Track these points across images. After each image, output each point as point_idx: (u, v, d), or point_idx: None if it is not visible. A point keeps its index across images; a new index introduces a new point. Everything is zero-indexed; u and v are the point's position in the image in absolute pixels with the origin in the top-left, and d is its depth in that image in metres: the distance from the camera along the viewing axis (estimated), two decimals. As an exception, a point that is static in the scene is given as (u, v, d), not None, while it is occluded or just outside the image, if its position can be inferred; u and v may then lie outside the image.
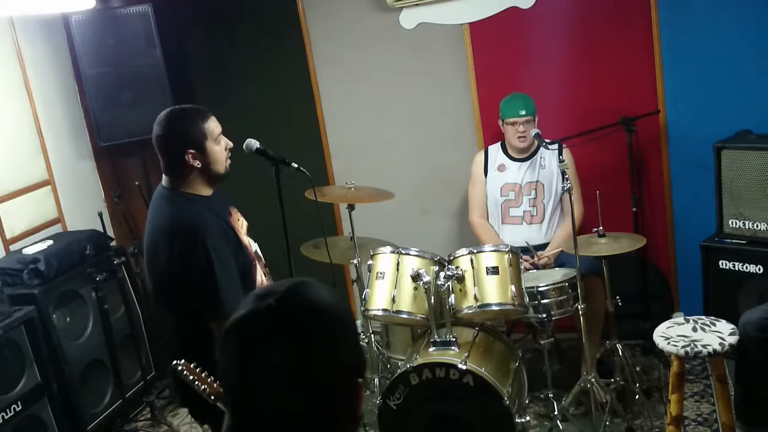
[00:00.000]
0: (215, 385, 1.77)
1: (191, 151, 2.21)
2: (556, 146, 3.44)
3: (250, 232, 2.43)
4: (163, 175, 2.30)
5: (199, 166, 2.24)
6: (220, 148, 2.28)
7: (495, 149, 3.67)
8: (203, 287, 2.14)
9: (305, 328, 0.99)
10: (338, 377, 1.00)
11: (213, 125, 2.27)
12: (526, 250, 3.39)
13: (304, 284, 1.04)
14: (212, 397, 1.75)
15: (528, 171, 3.56)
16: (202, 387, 1.77)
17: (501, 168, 3.62)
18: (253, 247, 2.40)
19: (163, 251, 2.19)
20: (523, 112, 3.46)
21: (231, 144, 2.33)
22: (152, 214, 2.30)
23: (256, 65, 4.32)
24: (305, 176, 2.41)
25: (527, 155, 3.58)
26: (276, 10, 4.21)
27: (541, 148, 3.55)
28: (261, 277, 2.37)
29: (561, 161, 3.04)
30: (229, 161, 2.32)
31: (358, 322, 4.38)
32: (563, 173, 2.96)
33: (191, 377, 1.79)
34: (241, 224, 2.40)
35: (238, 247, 2.28)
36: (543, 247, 3.49)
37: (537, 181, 3.54)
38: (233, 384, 0.99)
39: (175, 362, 1.81)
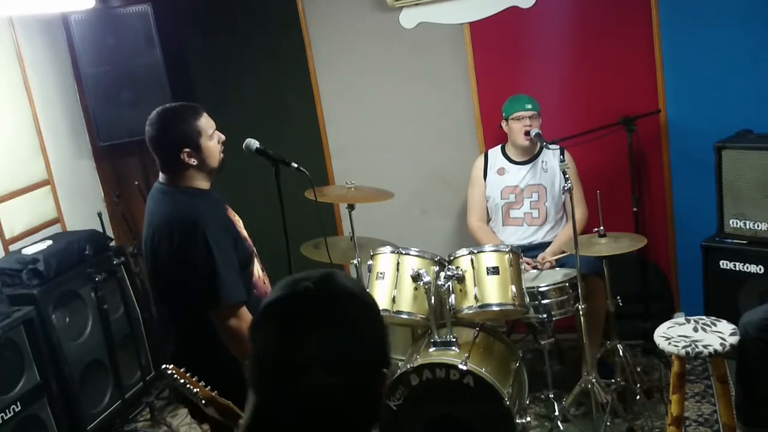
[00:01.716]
0: (207, 388, 1.77)
1: (186, 150, 2.23)
2: (557, 147, 3.43)
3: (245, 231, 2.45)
4: (160, 173, 2.31)
5: (194, 163, 2.25)
6: (213, 143, 2.29)
7: (495, 153, 3.67)
8: (203, 276, 2.15)
9: (343, 309, 1.01)
10: (371, 362, 1.01)
11: (205, 122, 2.28)
12: (526, 249, 3.39)
13: (335, 272, 1.06)
14: (203, 401, 1.75)
15: (529, 174, 3.55)
16: (194, 390, 1.76)
17: (501, 171, 3.61)
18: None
19: (163, 245, 2.20)
20: (529, 106, 3.47)
21: (223, 137, 2.34)
22: (151, 210, 2.31)
23: (256, 65, 4.31)
24: (305, 176, 2.41)
25: (528, 158, 3.57)
26: (276, 10, 4.21)
27: (543, 152, 3.54)
28: (258, 272, 2.39)
29: (561, 161, 3.03)
30: (222, 155, 2.33)
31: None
32: (563, 173, 2.96)
33: (182, 381, 1.79)
34: (237, 220, 2.41)
35: (238, 239, 2.29)
36: (544, 246, 3.48)
37: (539, 184, 3.53)
38: (269, 363, 0.99)
39: (164, 366, 1.82)
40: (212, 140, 2.29)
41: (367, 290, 1.08)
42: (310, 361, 0.97)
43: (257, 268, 2.39)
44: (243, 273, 2.27)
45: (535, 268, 3.34)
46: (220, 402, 1.74)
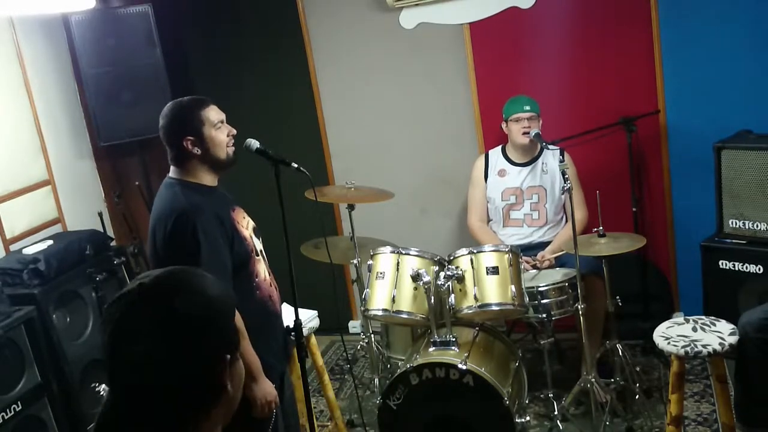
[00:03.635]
0: None
1: (189, 138, 2.27)
2: (556, 148, 3.43)
3: (258, 233, 2.45)
4: (171, 167, 2.36)
5: (198, 153, 2.29)
6: (219, 134, 2.32)
7: (496, 154, 3.67)
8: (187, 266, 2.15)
9: (168, 306, 1.05)
10: (197, 346, 1.06)
11: (212, 113, 2.33)
12: (525, 249, 3.39)
13: (182, 272, 1.12)
14: None
15: (530, 175, 3.56)
16: None
17: (501, 173, 3.61)
18: (258, 246, 2.41)
19: (158, 235, 2.23)
20: (528, 108, 3.47)
21: (234, 131, 2.38)
22: (155, 204, 2.35)
23: (256, 65, 4.32)
24: (305, 176, 2.41)
25: (528, 160, 3.58)
26: (276, 10, 4.21)
27: (543, 153, 3.55)
28: (264, 273, 2.39)
29: (561, 161, 3.04)
30: (232, 148, 2.36)
31: (358, 322, 4.39)
32: (563, 173, 2.96)
33: None
34: (246, 223, 2.41)
35: (234, 237, 2.29)
36: (543, 245, 3.49)
37: (539, 186, 3.54)
38: (105, 343, 1.06)
39: None
40: (218, 131, 2.32)
41: (218, 289, 1.11)
42: (132, 338, 1.03)
43: (263, 270, 2.39)
44: (240, 272, 2.28)
45: (534, 267, 3.35)
46: None
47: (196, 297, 1.08)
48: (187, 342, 1.04)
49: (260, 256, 2.40)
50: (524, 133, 3.46)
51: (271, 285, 2.42)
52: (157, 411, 1.05)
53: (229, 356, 1.09)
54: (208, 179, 2.34)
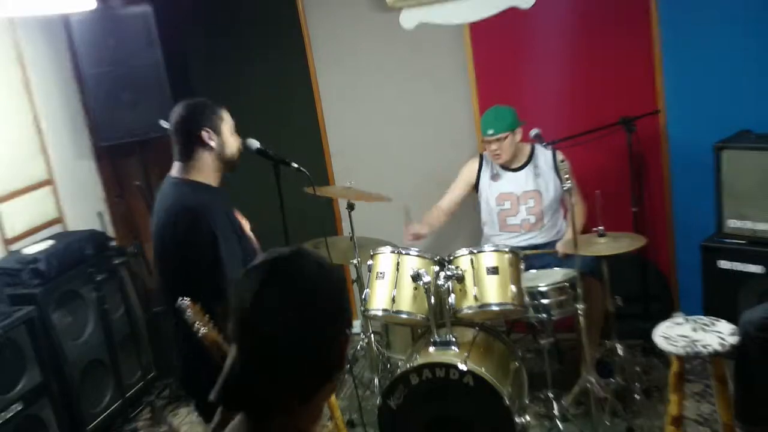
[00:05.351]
0: (215, 332, 1.78)
1: (207, 128, 2.32)
2: (550, 148, 3.42)
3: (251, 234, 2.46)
4: (175, 163, 2.36)
5: (213, 145, 2.32)
6: (232, 137, 2.39)
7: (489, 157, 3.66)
8: (209, 268, 2.17)
9: (307, 271, 1.14)
10: (329, 319, 1.13)
11: (228, 117, 2.41)
12: (524, 249, 3.39)
13: (307, 248, 1.21)
14: (206, 343, 1.76)
15: (524, 180, 3.53)
16: (202, 330, 1.79)
17: (495, 177, 3.59)
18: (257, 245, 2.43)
19: (169, 236, 2.24)
20: (491, 132, 3.41)
21: (241, 141, 2.45)
22: (159, 202, 2.35)
23: (256, 65, 4.32)
24: (305, 176, 2.42)
25: (521, 164, 3.56)
26: (276, 10, 4.21)
27: (534, 156, 3.53)
28: None
29: (561, 161, 3.03)
30: (239, 153, 2.42)
31: (358, 322, 4.39)
32: (564, 173, 2.95)
33: (193, 318, 1.81)
34: (243, 221, 2.43)
35: (242, 236, 2.32)
36: (544, 245, 3.49)
37: (534, 190, 3.52)
38: (241, 312, 1.11)
39: (180, 299, 1.86)
40: (232, 134, 2.39)
41: (334, 266, 1.21)
42: (271, 310, 1.09)
43: None
44: None
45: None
46: (224, 349, 1.74)
47: (323, 270, 1.15)
48: (319, 313, 1.11)
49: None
50: (494, 156, 3.46)
51: None
52: (286, 379, 1.10)
53: (347, 330, 1.17)
54: (213, 178, 2.36)
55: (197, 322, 1.81)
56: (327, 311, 1.12)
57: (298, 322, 1.08)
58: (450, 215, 3.71)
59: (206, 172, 2.34)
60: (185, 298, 1.85)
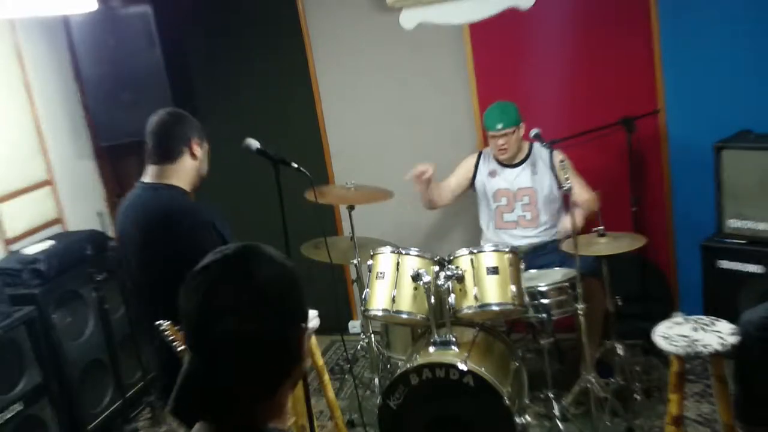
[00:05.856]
0: None
1: (196, 139, 2.34)
2: (549, 147, 3.42)
3: None
4: (150, 167, 2.33)
5: (198, 154, 2.35)
6: (206, 160, 2.42)
7: (488, 153, 3.65)
8: None
9: (258, 267, 1.12)
10: (282, 314, 1.11)
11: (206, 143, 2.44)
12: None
13: (257, 244, 1.17)
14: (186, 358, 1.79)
15: (520, 177, 3.54)
16: (180, 348, 1.81)
17: (492, 174, 3.60)
18: None
19: (165, 237, 2.21)
20: (500, 126, 3.42)
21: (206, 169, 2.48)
22: (134, 208, 2.32)
23: (256, 65, 4.32)
24: (305, 176, 2.42)
25: (519, 161, 3.56)
26: (276, 10, 4.21)
27: (532, 154, 3.54)
28: None
29: (561, 161, 3.03)
30: (203, 178, 2.44)
31: (358, 322, 4.39)
32: (562, 173, 2.95)
33: (171, 337, 1.84)
34: None
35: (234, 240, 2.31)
36: (544, 245, 3.48)
37: (530, 187, 3.52)
38: (191, 316, 1.08)
39: (158, 322, 1.89)
40: (206, 158, 2.42)
41: (286, 260, 1.16)
42: (224, 310, 1.06)
43: None
44: None
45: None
46: None
47: (276, 266, 1.13)
48: (274, 310, 1.09)
49: None
50: (500, 150, 3.47)
51: None
52: (244, 379, 1.08)
53: (303, 324, 1.14)
54: (189, 189, 2.37)
55: (175, 342, 1.85)
56: (282, 307, 1.10)
57: (252, 320, 1.06)
58: (443, 200, 3.71)
59: (184, 180, 2.33)
60: (162, 321, 1.88)
